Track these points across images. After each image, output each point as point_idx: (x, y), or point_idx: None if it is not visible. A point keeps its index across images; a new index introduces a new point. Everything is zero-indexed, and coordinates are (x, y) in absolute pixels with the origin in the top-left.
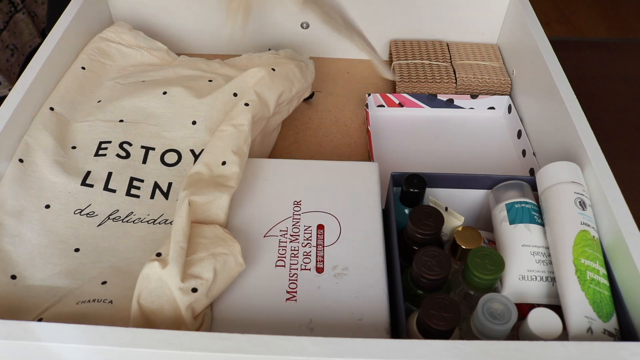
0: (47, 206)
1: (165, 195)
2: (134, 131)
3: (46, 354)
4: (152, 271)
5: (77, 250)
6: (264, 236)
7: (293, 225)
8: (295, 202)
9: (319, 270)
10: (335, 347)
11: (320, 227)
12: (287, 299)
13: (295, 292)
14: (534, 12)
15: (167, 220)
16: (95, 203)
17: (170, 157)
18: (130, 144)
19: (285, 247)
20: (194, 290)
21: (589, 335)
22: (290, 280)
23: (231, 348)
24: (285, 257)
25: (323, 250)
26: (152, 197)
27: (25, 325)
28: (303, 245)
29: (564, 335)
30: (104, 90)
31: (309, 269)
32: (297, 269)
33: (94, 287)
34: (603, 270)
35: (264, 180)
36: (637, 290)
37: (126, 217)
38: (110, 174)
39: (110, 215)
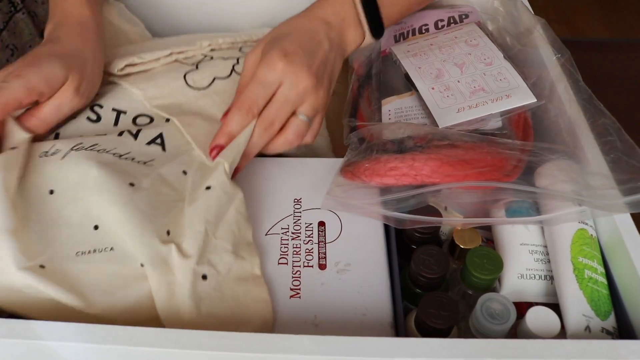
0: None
1: (134, 136)
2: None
3: (46, 353)
4: (168, 256)
5: (51, 192)
6: (266, 234)
7: (294, 222)
8: (296, 200)
9: (322, 266)
10: (333, 345)
11: (322, 224)
12: (291, 296)
13: (299, 289)
14: (534, 11)
15: (134, 158)
16: (59, 143)
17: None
18: (101, 107)
19: (287, 244)
20: (204, 277)
21: (587, 333)
22: (293, 277)
23: (230, 346)
24: (287, 254)
25: (325, 247)
26: (116, 124)
27: (25, 324)
28: (305, 242)
29: (562, 334)
30: None
31: (312, 266)
32: (299, 266)
33: (88, 234)
34: (601, 269)
35: (264, 179)
36: (635, 288)
37: (90, 147)
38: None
39: (73, 147)
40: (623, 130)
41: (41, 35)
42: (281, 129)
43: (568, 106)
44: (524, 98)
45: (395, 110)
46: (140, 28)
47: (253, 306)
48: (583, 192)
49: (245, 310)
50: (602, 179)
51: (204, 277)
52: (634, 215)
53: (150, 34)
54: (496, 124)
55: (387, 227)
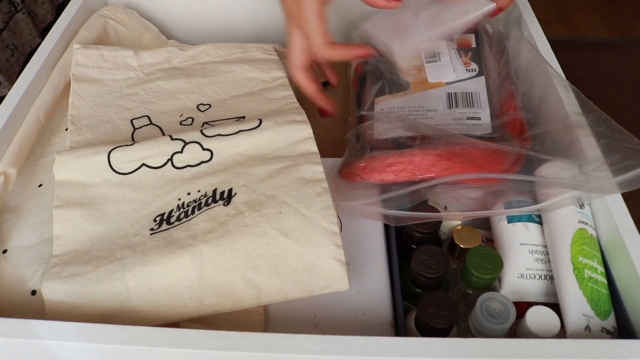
0: (40, 185)
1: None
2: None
3: (46, 352)
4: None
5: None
6: None
7: None
8: None
9: None
10: (333, 344)
11: None
12: None
13: None
14: (533, 11)
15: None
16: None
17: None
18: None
19: None
20: None
21: (587, 333)
22: None
23: (229, 346)
24: None
25: None
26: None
27: (25, 324)
28: None
29: (562, 334)
30: None
31: None
32: None
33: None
34: (601, 269)
35: None
36: (634, 288)
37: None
38: None
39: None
40: (612, 119)
41: (41, 35)
42: None
43: (559, 105)
44: (481, 5)
45: (388, 110)
46: (154, 33)
47: (245, 317)
48: (578, 177)
49: (236, 320)
50: (595, 163)
51: None
52: (633, 215)
53: (166, 38)
54: (487, 129)
55: (387, 227)
